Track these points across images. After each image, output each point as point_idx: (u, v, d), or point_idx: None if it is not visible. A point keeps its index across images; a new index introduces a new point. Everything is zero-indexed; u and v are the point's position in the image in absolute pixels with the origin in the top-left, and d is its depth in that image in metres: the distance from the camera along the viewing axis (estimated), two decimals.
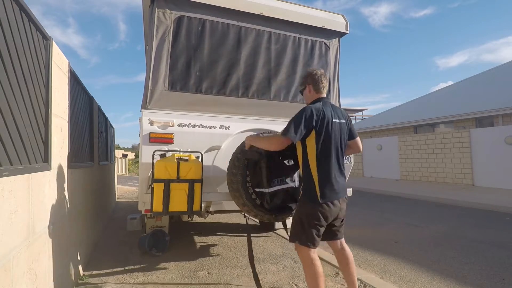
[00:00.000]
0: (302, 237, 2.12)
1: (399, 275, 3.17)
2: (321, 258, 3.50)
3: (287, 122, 2.14)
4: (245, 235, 4.64)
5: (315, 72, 2.32)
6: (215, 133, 2.90)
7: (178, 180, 2.47)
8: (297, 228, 2.17)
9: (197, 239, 4.46)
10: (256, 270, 2.70)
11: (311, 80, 2.30)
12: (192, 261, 3.47)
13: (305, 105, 3.52)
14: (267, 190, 2.47)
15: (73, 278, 2.75)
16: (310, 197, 2.11)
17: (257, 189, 2.52)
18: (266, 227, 4.80)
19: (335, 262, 3.42)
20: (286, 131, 2.08)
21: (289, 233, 2.31)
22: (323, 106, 2.17)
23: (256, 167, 2.50)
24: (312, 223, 2.10)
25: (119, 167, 22.22)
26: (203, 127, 2.87)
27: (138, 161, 3.32)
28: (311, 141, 2.11)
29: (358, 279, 2.96)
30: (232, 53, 3.17)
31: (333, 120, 2.16)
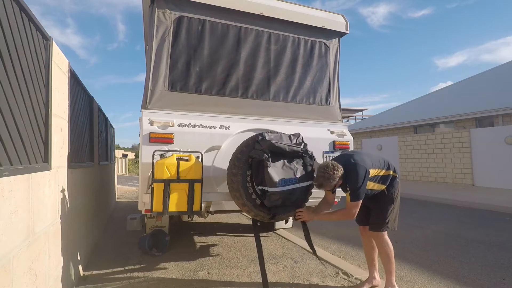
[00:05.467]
0: (390, 222, 2.58)
1: (399, 275, 3.17)
2: (321, 258, 3.50)
3: (350, 186, 2.41)
4: (245, 235, 4.64)
5: (334, 168, 2.41)
6: (215, 133, 2.90)
7: (178, 180, 2.46)
8: (387, 215, 2.58)
9: (197, 239, 4.46)
10: (258, 270, 2.69)
11: (339, 176, 2.42)
12: (192, 261, 3.47)
13: (307, 105, 3.54)
14: (269, 189, 2.47)
15: (73, 278, 2.75)
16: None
17: (259, 187, 2.52)
18: (266, 227, 4.80)
19: (335, 262, 3.44)
20: (356, 197, 2.40)
21: (376, 226, 2.63)
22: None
23: (259, 166, 2.50)
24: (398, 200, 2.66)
25: (119, 167, 22.23)
26: (203, 127, 2.87)
27: (138, 161, 3.32)
28: None
29: (358, 279, 2.96)
30: (232, 53, 3.17)
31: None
